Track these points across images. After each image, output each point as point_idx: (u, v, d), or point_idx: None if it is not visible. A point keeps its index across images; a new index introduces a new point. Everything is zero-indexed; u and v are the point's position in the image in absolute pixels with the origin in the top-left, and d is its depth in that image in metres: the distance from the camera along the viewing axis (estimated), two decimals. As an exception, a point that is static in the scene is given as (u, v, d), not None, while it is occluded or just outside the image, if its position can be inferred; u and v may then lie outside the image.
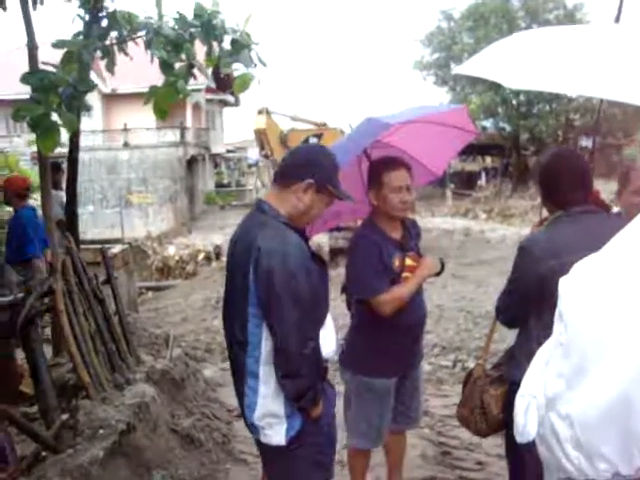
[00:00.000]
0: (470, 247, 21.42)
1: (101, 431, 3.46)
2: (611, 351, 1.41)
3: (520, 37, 3.61)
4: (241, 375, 2.57)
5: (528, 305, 2.83)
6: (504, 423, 3.02)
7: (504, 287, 2.98)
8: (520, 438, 1.65)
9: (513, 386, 2.87)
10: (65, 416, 3.65)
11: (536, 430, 1.61)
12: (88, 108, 4.18)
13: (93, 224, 26.19)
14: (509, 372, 2.96)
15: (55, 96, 3.65)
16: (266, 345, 2.48)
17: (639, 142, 31.22)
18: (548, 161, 2.92)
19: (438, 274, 3.60)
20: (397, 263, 3.39)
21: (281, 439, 2.54)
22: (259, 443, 2.68)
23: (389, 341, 3.44)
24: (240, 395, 2.61)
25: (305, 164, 2.59)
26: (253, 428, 2.61)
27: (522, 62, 3.20)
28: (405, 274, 3.41)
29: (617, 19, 3.37)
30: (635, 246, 1.47)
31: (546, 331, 2.69)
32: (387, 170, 3.35)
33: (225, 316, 2.70)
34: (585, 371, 1.47)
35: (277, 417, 2.53)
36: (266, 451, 2.67)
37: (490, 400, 3.02)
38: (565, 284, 1.58)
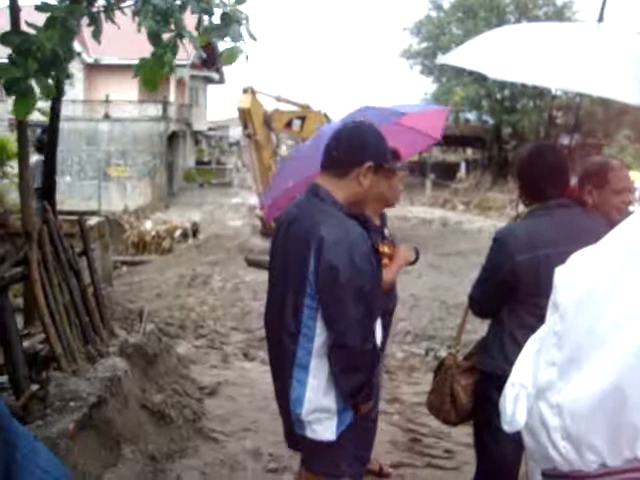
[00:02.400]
0: (447, 237, 21.55)
1: (71, 403, 3.42)
2: (605, 342, 1.41)
3: (504, 31, 3.70)
4: (288, 367, 2.44)
5: (501, 296, 2.85)
6: (473, 412, 3.05)
7: (478, 277, 3.01)
8: (508, 427, 1.65)
9: (484, 376, 2.91)
10: (35, 387, 3.60)
11: (525, 419, 1.61)
12: (69, 76, 4.09)
13: (70, 195, 25.82)
14: (480, 362, 2.99)
15: (34, 60, 3.56)
16: (320, 337, 2.38)
17: (618, 142, 31.51)
18: (527, 155, 2.96)
19: (413, 263, 3.70)
20: (382, 249, 3.44)
21: (331, 435, 2.43)
22: (298, 439, 2.54)
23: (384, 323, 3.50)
24: (284, 388, 2.48)
25: (360, 148, 2.47)
26: (298, 423, 2.46)
27: (505, 54, 3.28)
28: (384, 261, 3.43)
29: (600, 18, 3.41)
30: (631, 240, 1.48)
31: (519, 323, 2.74)
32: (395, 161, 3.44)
33: (272, 302, 2.58)
34: (578, 361, 1.47)
35: (328, 412, 2.42)
36: (311, 447, 2.52)
37: (460, 390, 3.04)
38: (561, 274, 1.58)
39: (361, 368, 2.39)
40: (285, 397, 2.48)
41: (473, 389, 3.02)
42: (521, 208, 3.09)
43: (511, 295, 2.80)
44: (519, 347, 2.70)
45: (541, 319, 2.62)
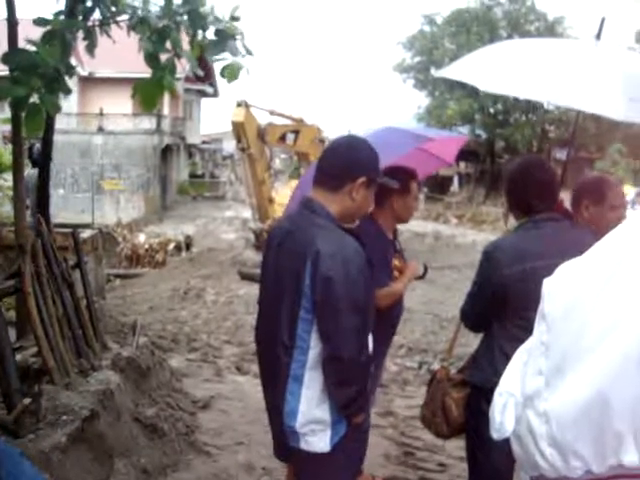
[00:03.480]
0: (440, 251, 21.60)
1: (64, 417, 3.41)
2: (591, 351, 1.44)
3: (498, 46, 3.77)
4: (281, 379, 2.44)
5: (491, 309, 2.88)
6: (465, 426, 3.06)
7: (469, 291, 3.03)
8: (497, 435, 1.68)
9: (475, 390, 2.92)
10: (27, 400, 3.58)
11: (512, 427, 1.63)
12: (69, 91, 4.10)
13: (63, 208, 25.76)
14: (471, 375, 3.00)
15: (37, 77, 3.57)
16: (314, 349, 2.39)
17: (611, 156, 31.70)
18: (516, 169, 2.99)
19: (421, 277, 3.92)
20: (393, 262, 3.66)
21: (325, 446, 2.42)
22: (290, 452, 2.53)
23: (389, 332, 3.78)
24: (277, 400, 2.47)
25: (354, 163, 2.48)
26: (292, 435, 2.46)
27: (497, 68, 3.36)
28: (394, 273, 3.65)
29: (598, 36, 3.46)
30: (617, 251, 1.50)
31: (508, 336, 2.75)
32: (410, 180, 3.68)
33: (265, 315, 2.58)
34: (564, 370, 1.50)
35: (322, 424, 2.42)
36: (305, 459, 2.50)
37: (452, 403, 3.05)
38: (549, 285, 1.61)
39: (355, 380, 2.40)
40: (277, 410, 2.47)
41: (465, 402, 3.03)
42: (512, 222, 3.12)
43: (501, 308, 2.82)
44: (508, 360, 2.73)
45: (530, 332, 2.65)
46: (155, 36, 4.04)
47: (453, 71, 3.74)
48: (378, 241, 3.62)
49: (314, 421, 2.41)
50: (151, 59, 4.04)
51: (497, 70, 3.35)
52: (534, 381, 1.59)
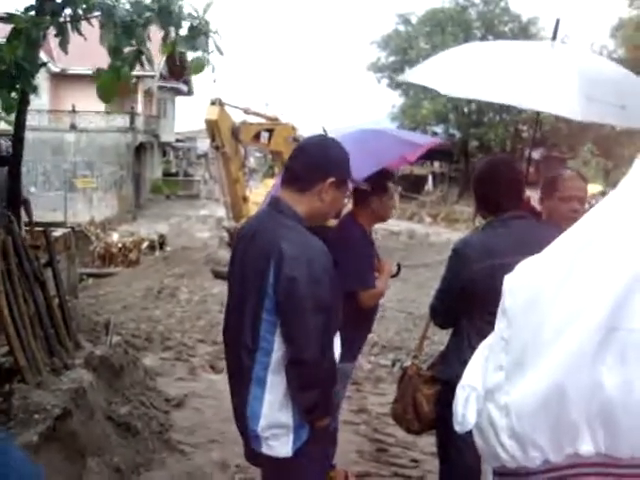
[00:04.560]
0: (414, 250, 21.72)
1: (36, 416, 3.38)
2: (549, 345, 1.49)
3: (459, 50, 3.86)
4: (244, 382, 2.40)
5: (459, 306, 2.92)
6: (435, 421, 3.09)
7: (438, 287, 3.07)
8: (459, 428, 1.72)
9: (445, 385, 2.95)
10: (-2, 399, 3.56)
11: (475, 420, 1.67)
12: (34, 89, 4.06)
13: (35, 206, 25.43)
14: (441, 371, 3.04)
15: None
16: (277, 352, 2.34)
17: (582, 156, 32.13)
18: (483, 169, 3.05)
19: (395, 275, 4.00)
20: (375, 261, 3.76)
21: (288, 451, 2.37)
22: (257, 455, 2.48)
23: (367, 328, 3.93)
24: (241, 403, 2.43)
25: (323, 163, 2.44)
26: (255, 439, 2.42)
27: (459, 72, 3.45)
28: (375, 274, 3.74)
29: (554, 37, 3.58)
30: (575, 247, 1.55)
31: (476, 331, 2.79)
32: (387, 179, 3.74)
33: (230, 316, 2.55)
34: (523, 364, 1.55)
35: (284, 428, 2.37)
36: (268, 463, 2.47)
37: (422, 399, 3.07)
38: (509, 282, 1.65)
39: (318, 383, 2.35)
40: (242, 412, 2.44)
41: (436, 398, 3.06)
42: (481, 219, 3.17)
43: (469, 304, 2.86)
44: None
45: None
46: (120, 30, 4.03)
47: (415, 75, 3.85)
48: (364, 243, 3.70)
49: (276, 425, 2.37)
50: (114, 51, 4.04)
51: (457, 74, 3.44)
52: (495, 375, 1.63)
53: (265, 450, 2.41)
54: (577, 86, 3.11)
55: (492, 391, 1.62)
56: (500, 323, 1.67)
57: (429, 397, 3.06)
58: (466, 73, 3.40)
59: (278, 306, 2.30)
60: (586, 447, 1.48)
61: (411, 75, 3.81)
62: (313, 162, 2.46)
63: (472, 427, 1.68)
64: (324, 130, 3.55)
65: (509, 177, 2.93)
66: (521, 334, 1.58)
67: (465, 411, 1.70)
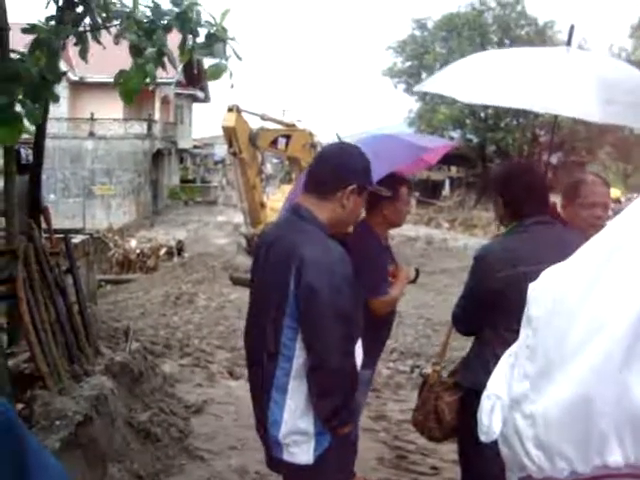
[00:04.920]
0: (432, 255, 21.62)
1: (57, 422, 3.40)
2: (575, 354, 1.47)
3: (475, 58, 3.90)
4: (266, 388, 2.40)
5: (483, 314, 2.89)
6: (457, 429, 3.07)
7: (461, 294, 3.05)
8: (485, 437, 1.70)
9: (468, 393, 2.93)
10: (20, 406, 3.58)
11: (500, 429, 1.65)
12: (56, 99, 4.10)
13: (54, 213, 25.60)
14: (463, 378, 3.01)
15: (19, 87, 3.57)
16: (298, 359, 2.34)
17: (601, 160, 31.87)
18: (507, 174, 3.01)
19: (413, 281, 3.98)
20: (390, 269, 3.70)
21: (309, 458, 2.36)
22: (277, 462, 2.48)
23: (385, 335, 3.82)
24: (262, 409, 2.44)
25: (344, 170, 2.46)
26: (275, 446, 2.42)
27: (475, 79, 3.49)
28: (390, 279, 3.69)
29: (568, 42, 3.58)
30: (601, 254, 1.53)
31: (501, 339, 2.77)
32: (400, 185, 3.68)
33: (251, 323, 2.55)
34: (549, 372, 1.52)
35: (305, 435, 2.36)
36: (288, 470, 2.46)
37: (444, 407, 3.05)
38: (534, 290, 1.63)
39: (339, 390, 2.34)
40: (263, 419, 2.44)
41: (457, 406, 3.03)
42: (501, 228, 3.16)
43: (493, 312, 2.83)
44: None
45: (521, 335, 2.68)
46: (141, 32, 4.08)
47: (431, 85, 3.87)
48: (378, 252, 3.66)
49: (297, 432, 2.36)
50: (135, 50, 4.07)
51: (474, 81, 3.46)
52: (520, 384, 1.61)
53: (286, 457, 2.40)
54: (595, 89, 3.11)
55: (518, 400, 1.60)
56: (525, 331, 1.65)
57: (451, 404, 3.04)
58: (483, 80, 3.41)
59: (299, 312, 2.30)
60: (615, 457, 1.45)
61: (427, 85, 3.83)
62: (335, 169, 2.48)
63: (497, 436, 1.66)
64: (338, 136, 3.55)
65: (529, 181, 2.91)
66: (546, 342, 1.56)
67: (490, 420, 1.68)
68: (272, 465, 2.59)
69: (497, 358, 2.73)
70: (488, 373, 2.75)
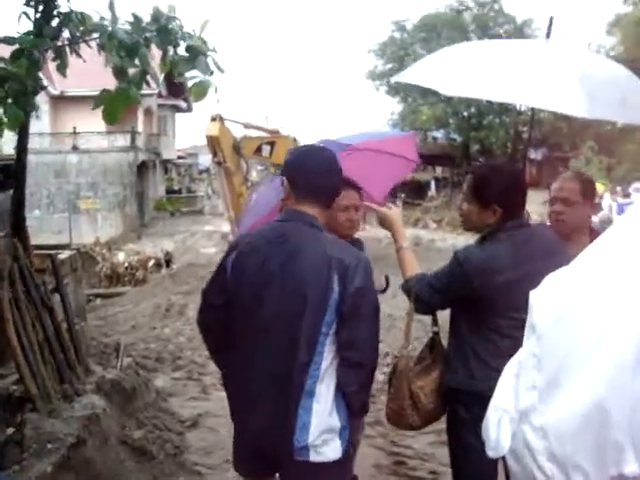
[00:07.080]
0: (420, 256, 21.37)
1: (49, 445, 3.35)
2: (585, 361, 1.42)
3: (456, 49, 3.83)
4: (295, 397, 2.39)
5: (458, 310, 2.89)
6: (435, 414, 3.01)
7: (431, 281, 2.92)
8: (493, 453, 1.64)
9: (450, 393, 2.89)
10: (10, 430, 3.52)
11: (509, 444, 1.60)
12: (35, 108, 4.07)
13: (40, 229, 25.45)
14: (445, 379, 2.95)
15: (3, 89, 3.54)
16: (326, 361, 2.42)
17: (584, 154, 32.01)
18: (503, 184, 2.81)
19: (383, 291, 3.83)
20: None
21: (337, 453, 2.45)
22: (301, 466, 2.43)
23: None
24: (288, 417, 2.40)
25: (339, 179, 2.59)
26: (300, 450, 2.40)
27: (456, 71, 3.44)
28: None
29: (548, 35, 3.56)
30: (607, 259, 1.49)
31: (480, 338, 2.74)
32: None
33: (265, 337, 2.44)
34: (559, 382, 1.48)
35: (332, 432, 2.44)
36: (315, 471, 2.44)
37: (419, 391, 2.96)
38: (536, 296, 1.59)
39: (371, 383, 2.53)
40: (283, 428, 2.39)
41: (431, 388, 2.97)
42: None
43: (470, 315, 2.81)
44: (482, 361, 2.74)
45: (504, 335, 2.66)
46: (123, 51, 4.02)
47: (411, 75, 3.73)
48: None
49: (327, 430, 2.43)
50: (119, 72, 4.03)
51: (455, 73, 3.40)
52: (528, 396, 1.56)
53: (313, 458, 2.43)
54: (579, 84, 3.09)
55: (526, 412, 1.55)
56: (529, 339, 1.60)
57: (424, 388, 2.96)
58: (465, 72, 3.36)
59: (340, 317, 2.37)
60: (631, 467, 1.41)
61: (407, 75, 3.71)
62: (338, 177, 2.59)
63: (506, 452, 1.61)
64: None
65: (525, 183, 2.93)
66: (554, 350, 1.51)
67: (498, 435, 1.62)
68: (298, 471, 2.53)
69: (477, 355, 2.74)
70: (469, 372, 2.76)
